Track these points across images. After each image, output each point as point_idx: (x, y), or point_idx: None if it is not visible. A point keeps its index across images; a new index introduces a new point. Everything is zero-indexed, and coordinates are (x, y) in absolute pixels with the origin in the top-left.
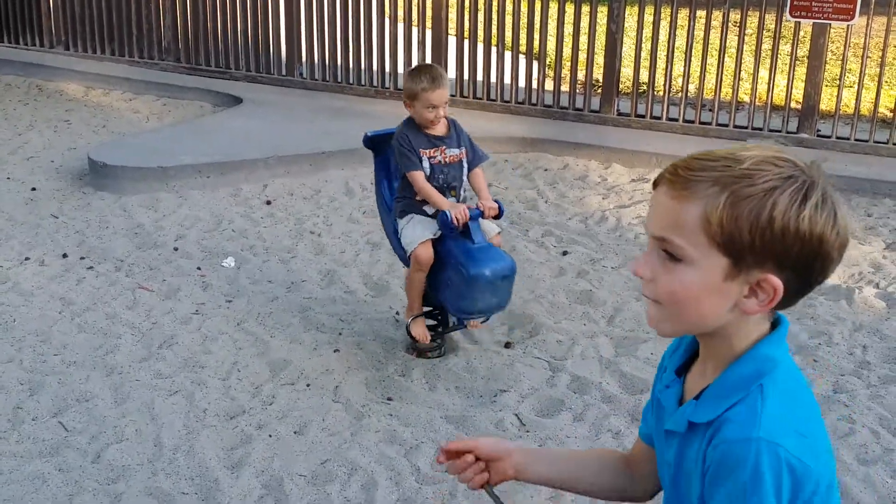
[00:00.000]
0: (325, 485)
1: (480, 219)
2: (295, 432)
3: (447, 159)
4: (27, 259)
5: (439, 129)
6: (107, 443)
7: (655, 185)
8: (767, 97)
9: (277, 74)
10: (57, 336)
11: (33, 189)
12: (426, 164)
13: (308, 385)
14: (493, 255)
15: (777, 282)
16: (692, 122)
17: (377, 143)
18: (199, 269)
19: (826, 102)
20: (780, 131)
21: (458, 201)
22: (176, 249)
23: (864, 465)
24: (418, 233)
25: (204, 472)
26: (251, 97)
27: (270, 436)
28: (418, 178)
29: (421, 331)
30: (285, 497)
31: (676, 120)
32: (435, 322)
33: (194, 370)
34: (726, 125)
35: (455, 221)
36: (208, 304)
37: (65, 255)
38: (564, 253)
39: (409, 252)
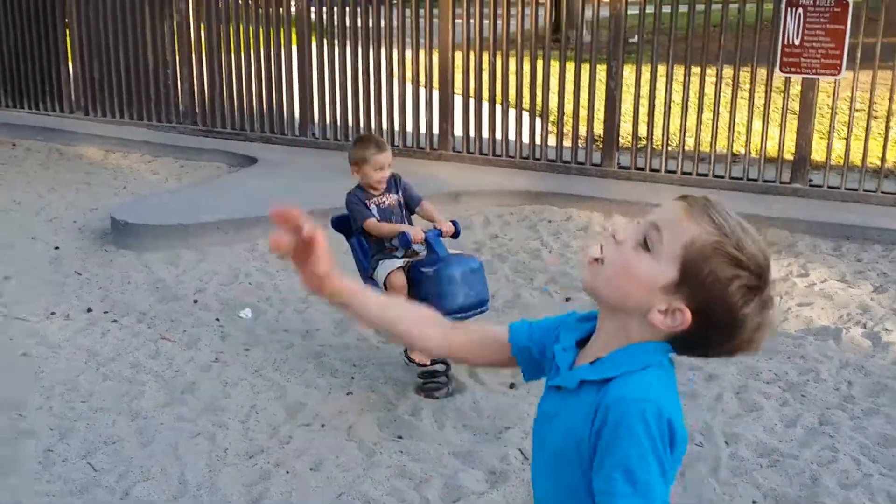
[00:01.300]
0: None
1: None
2: (311, 469)
3: (389, 202)
4: (53, 314)
5: (380, 188)
6: (134, 481)
7: (683, 198)
8: (761, 149)
9: (290, 135)
10: (84, 385)
11: (56, 248)
12: (374, 210)
13: (323, 425)
14: (458, 257)
15: (688, 320)
16: (690, 173)
17: (343, 224)
18: (217, 319)
19: (818, 153)
20: (773, 181)
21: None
22: (196, 302)
23: (845, 489)
24: (387, 266)
25: (221, 501)
26: (266, 157)
27: (287, 472)
28: (371, 223)
29: (419, 355)
30: None
31: (675, 172)
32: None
33: (215, 413)
34: (722, 176)
35: (413, 238)
36: (227, 353)
37: (89, 310)
38: (567, 299)
39: (382, 285)
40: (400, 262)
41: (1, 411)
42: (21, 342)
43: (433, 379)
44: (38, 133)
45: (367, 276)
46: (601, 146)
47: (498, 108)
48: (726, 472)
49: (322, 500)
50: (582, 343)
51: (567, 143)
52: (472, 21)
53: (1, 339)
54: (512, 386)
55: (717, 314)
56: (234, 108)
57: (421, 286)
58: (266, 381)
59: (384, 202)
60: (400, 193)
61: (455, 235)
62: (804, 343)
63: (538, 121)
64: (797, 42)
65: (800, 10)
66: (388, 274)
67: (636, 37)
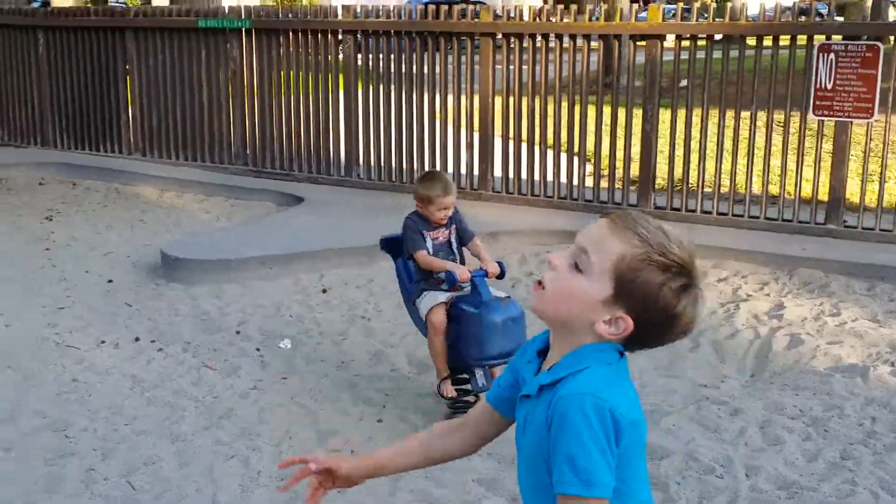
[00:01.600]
0: None
1: (486, 278)
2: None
3: (443, 239)
4: (103, 342)
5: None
6: (170, 501)
7: (607, 217)
8: (795, 191)
9: (336, 175)
10: (128, 409)
11: (110, 281)
12: (429, 243)
13: (352, 451)
14: (500, 303)
15: (631, 326)
16: (725, 214)
17: (392, 245)
18: (258, 349)
19: (852, 195)
20: (808, 222)
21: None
22: (238, 333)
23: None
24: (431, 299)
25: None
26: (312, 197)
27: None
28: (422, 255)
29: (448, 389)
30: None
31: (710, 213)
32: (463, 386)
33: (250, 438)
34: (757, 217)
35: (460, 278)
36: (265, 381)
37: (137, 339)
38: None
39: (423, 317)
40: (444, 298)
41: (49, 432)
42: (71, 369)
43: (461, 409)
44: (99, 174)
45: (410, 300)
46: (637, 187)
47: (537, 149)
48: None
49: None
50: (544, 353)
51: (604, 184)
52: (511, 67)
53: (54, 365)
54: None
55: (656, 315)
56: (282, 150)
57: (461, 326)
58: (301, 408)
59: (438, 238)
60: (453, 227)
61: (500, 276)
62: (831, 380)
63: (576, 162)
64: (829, 86)
65: (832, 55)
66: (431, 309)
67: (685, 81)
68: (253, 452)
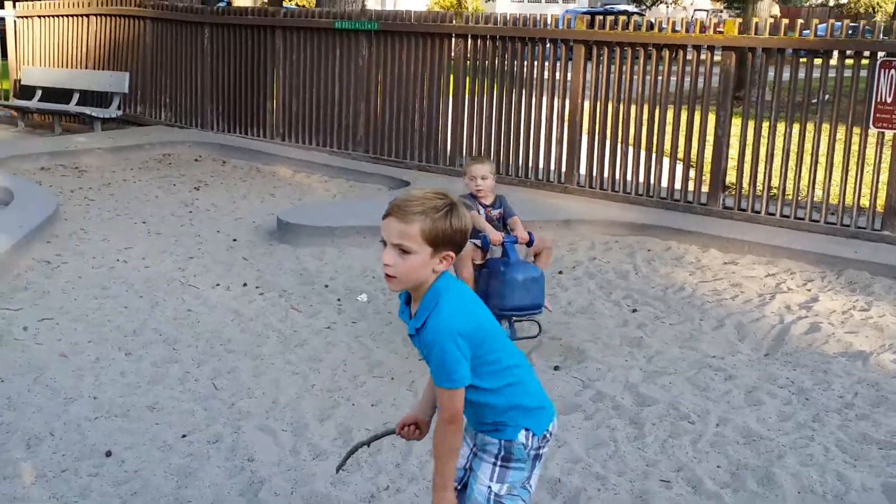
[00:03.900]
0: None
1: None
2: (371, 405)
3: (493, 215)
4: (217, 285)
5: (488, 199)
6: (241, 398)
7: (386, 216)
8: (854, 198)
9: (442, 164)
10: (225, 334)
11: (234, 240)
12: (482, 211)
13: (392, 378)
14: (524, 265)
15: (452, 255)
16: (788, 216)
17: None
18: (338, 300)
19: None
20: (865, 228)
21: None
22: (326, 286)
23: (803, 466)
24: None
25: (300, 419)
26: (418, 182)
27: (353, 405)
28: (474, 214)
29: None
30: (351, 440)
31: (774, 215)
32: None
33: (314, 362)
34: (817, 221)
35: (492, 240)
36: (338, 324)
37: (244, 285)
38: (634, 311)
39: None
40: (474, 244)
41: (161, 344)
42: (189, 302)
43: None
44: (244, 154)
45: None
46: (707, 189)
47: (619, 149)
48: (704, 444)
49: (372, 425)
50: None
51: (677, 184)
52: (600, 73)
53: (175, 298)
54: (556, 368)
55: (456, 237)
56: (398, 140)
57: (489, 282)
58: (360, 346)
59: (491, 215)
60: (502, 209)
61: (529, 244)
62: (833, 362)
63: (653, 161)
64: (889, 100)
65: (892, 70)
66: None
67: (822, 96)
68: (312, 372)
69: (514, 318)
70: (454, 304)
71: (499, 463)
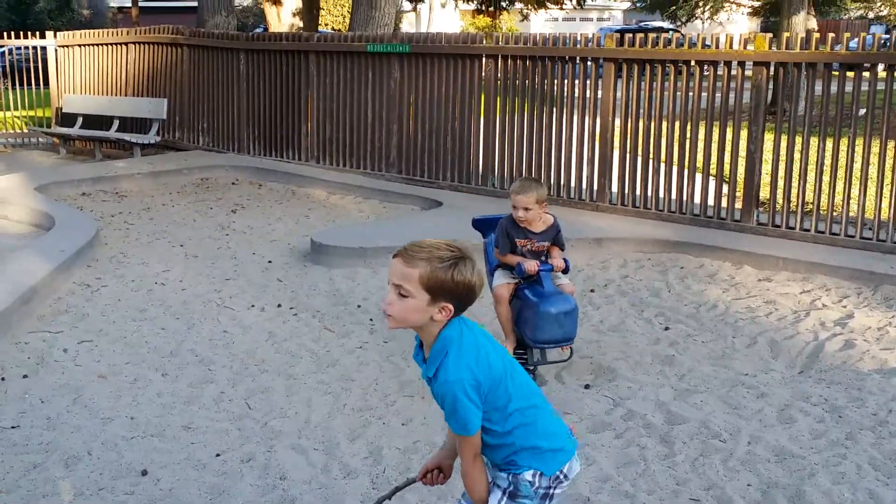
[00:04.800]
0: (412, 454)
1: (553, 273)
2: (402, 424)
3: (535, 248)
4: (252, 306)
5: (536, 227)
6: (273, 417)
7: (394, 256)
8: (889, 213)
9: (474, 184)
10: (259, 354)
11: (269, 262)
12: (520, 250)
13: (423, 398)
14: (559, 297)
15: (451, 308)
16: (823, 232)
17: (483, 224)
18: (371, 320)
19: None
20: None
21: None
22: (359, 307)
23: (835, 484)
24: (501, 278)
25: (331, 438)
26: (450, 202)
27: (384, 424)
28: (504, 255)
29: (508, 349)
30: (381, 459)
31: (808, 230)
32: (522, 359)
33: (346, 382)
34: (853, 236)
35: (527, 270)
36: (370, 343)
37: (279, 306)
38: (666, 328)
39: (493, 286)
40: (511, 280)
41: (197, 365)
42: (225, 324)
43: None
44: (280, 177)
45: (489, 271)
46: (740, 205)
47: (650, 166)
48: (735, 462)
49: (402, 444)
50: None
51: (710, 200)
52: (630, 90)
53: (212, 319)
54: (587, 386)
55: (457, 290)
56: (430, 161)
57: (521, 310)
58: (392, 365)
59: (527, 245)
60: (549, 242)
61: (565, 271)
62: (867, 378)
63: (685, 178)
64: None
65: None
66: (498, 285)
67: (864, 109)
68: (344, 392)
69: (544, 348)
70: (462, 357)
71: (506, 497)
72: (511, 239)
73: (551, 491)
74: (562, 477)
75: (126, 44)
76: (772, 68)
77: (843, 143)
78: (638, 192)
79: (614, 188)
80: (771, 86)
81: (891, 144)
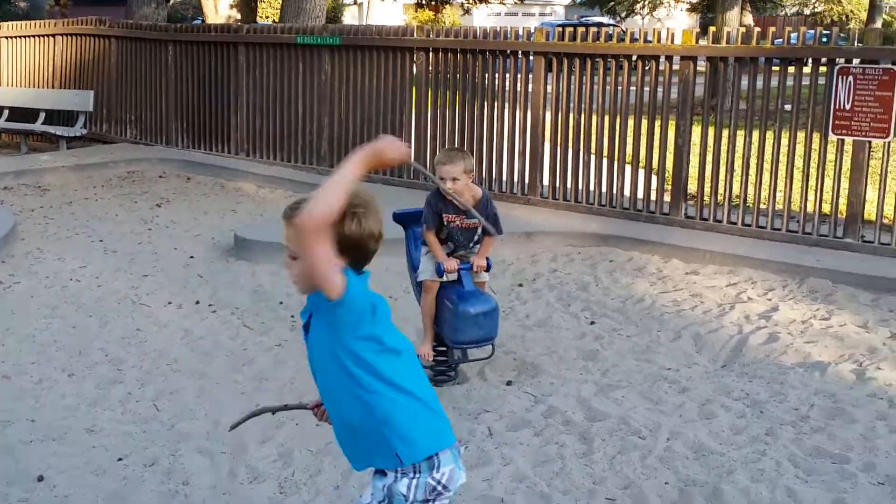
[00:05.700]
0: (324, 456)
1: (473, 270)
2: (315, 425)
3: (465, 225)
4: (169, 303)
5: (464, 198)
6: (181, 419)
7: (283, 218)
8: (815, 206)
9: (407, 178)
10: (172, 353)
11: (191, 257)
12: (450, 227)
13: None
14: (478, 297)
15: (341, 262)
16: (749, 225)
17: (404, 219)
18: (292, 317)
19: (869, 212)
20: (827, 236)
21: (464, 259)
22: (281, 303)
23: (753, 482)
24: (429, 270)
25: (240, 441)
26: (381, 195)
27: (297, 425)
28: (428, 235)
29: (427, 352)
30: (291, 462)
31: (735, 224)
32: (443, 357)
33: (261, 382)
34: (779, 229)
35: (447, 269)
36: (290, 341)
37: (197, 302)
38: (592, 323)
39: (419, 279)
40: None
41: (106, 364)
42: (139, 321)
43: (440, 373)
44: (209, 170)
45: (413, 266)
46: (669, 199)
47: (581, 161)
48: (653, 459)
49: (314, 445)
50: None
51: (639, 193)
52: (560, 84)
53: (125, 317)
54: (508, 383)
55: (354, 241)
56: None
57: (442, 310)
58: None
59: (455, 222)
60: (482, 219)
61: (486, 270)
62: (790, 373)
63: (615, 171)
64: (848, 107)
65: (850, 77)
66: (427, 279)
67: (789, 105)
68: (259, 393)
69: (464, 349)
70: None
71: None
72: (437, 212)
73: None
74: (440, 488)
75: (53, 35)
76: (699, 63)
77: (771, 136)
78: (569, 185)
79: (545, 182)
80: (700, 81)
81: (816, 137)
